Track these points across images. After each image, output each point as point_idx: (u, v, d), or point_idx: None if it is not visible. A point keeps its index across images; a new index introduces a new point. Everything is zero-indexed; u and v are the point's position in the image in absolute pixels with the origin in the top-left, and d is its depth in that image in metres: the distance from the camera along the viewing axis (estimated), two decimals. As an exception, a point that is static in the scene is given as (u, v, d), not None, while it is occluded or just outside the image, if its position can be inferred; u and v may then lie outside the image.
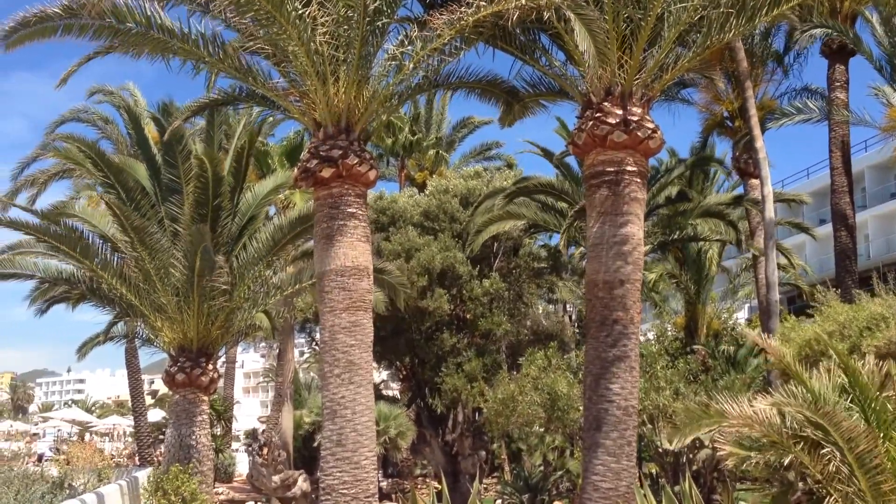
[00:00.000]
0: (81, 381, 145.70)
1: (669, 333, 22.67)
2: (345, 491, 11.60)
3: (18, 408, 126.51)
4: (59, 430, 53.07)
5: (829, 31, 20.25)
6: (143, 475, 18.05)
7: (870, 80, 21.20)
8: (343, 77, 11.84)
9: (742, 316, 35.01)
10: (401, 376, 28.97)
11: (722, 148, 25.43)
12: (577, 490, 18.04)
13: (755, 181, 20.25)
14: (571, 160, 22.83)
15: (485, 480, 24.94)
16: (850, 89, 21.80)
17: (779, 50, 22.02)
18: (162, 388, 59.47)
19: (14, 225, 15.48)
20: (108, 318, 26.53)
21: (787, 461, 9.45)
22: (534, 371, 18.76)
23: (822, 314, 16.47)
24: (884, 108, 21.03)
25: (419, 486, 23.55)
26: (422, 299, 22.94)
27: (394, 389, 34.40)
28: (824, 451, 7.75)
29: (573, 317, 30.75)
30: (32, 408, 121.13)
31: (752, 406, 8.43)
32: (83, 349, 32.94)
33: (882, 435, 7.86)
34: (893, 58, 19.13)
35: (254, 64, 12.50)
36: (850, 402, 8.56)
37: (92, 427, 50.96)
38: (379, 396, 22.10)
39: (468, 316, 24.41)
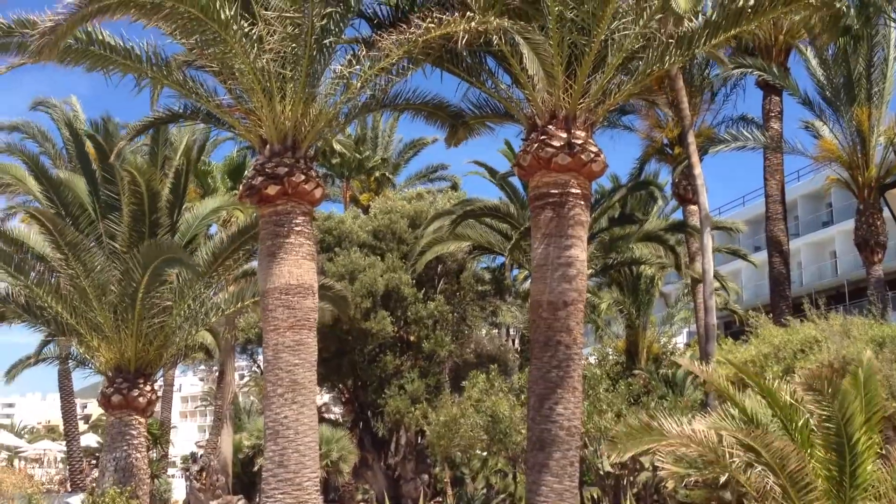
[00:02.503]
0: (10, 405, 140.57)
1: (611, 357, 22.94)
2: (286, 513, 11.42)
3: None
4: (-15, 456, 51.03)
5: (752, 69, 20.56)
6: (76, 501, 17.52)
7: (804, 110, 21.82)
8: (290, 94, 11.82)
9: (681, 340, 35.54)
10: (343, 399, 28.68)
11: (665, 175, 25.90)
12: (519, 512, 18.04)
13: (694, 207, 20.70)
14: (517, 184, 23.08)
15: (427, 504, 24.78)
16: (785, 119, 22.50)
17: (715, 80, 22.59)
18: (95, 413, 57.76)
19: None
20: (40, 340, 25.79)
21: (723, 480, 9.62)
22: (476, 393, 18.78)
23: (759, 337, 16.85)
24: (815, 140, 21.77)
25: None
26: (365, 321, 22.83)
27: (336, 414, 33.99)
28: (756, 470, 7.93)
29: (515, 341, 30.88)
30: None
31: (690, 426, 8.57)
32: (12, 371, 31.89)
33: (808, 454, 8.06)
34: (825, 90, 19.79)
35: (199, 80, 12.40)
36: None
37: (22, 452, 49.12)
38: (321, 419, 21.84)
39: (412, 338, 24.34)
